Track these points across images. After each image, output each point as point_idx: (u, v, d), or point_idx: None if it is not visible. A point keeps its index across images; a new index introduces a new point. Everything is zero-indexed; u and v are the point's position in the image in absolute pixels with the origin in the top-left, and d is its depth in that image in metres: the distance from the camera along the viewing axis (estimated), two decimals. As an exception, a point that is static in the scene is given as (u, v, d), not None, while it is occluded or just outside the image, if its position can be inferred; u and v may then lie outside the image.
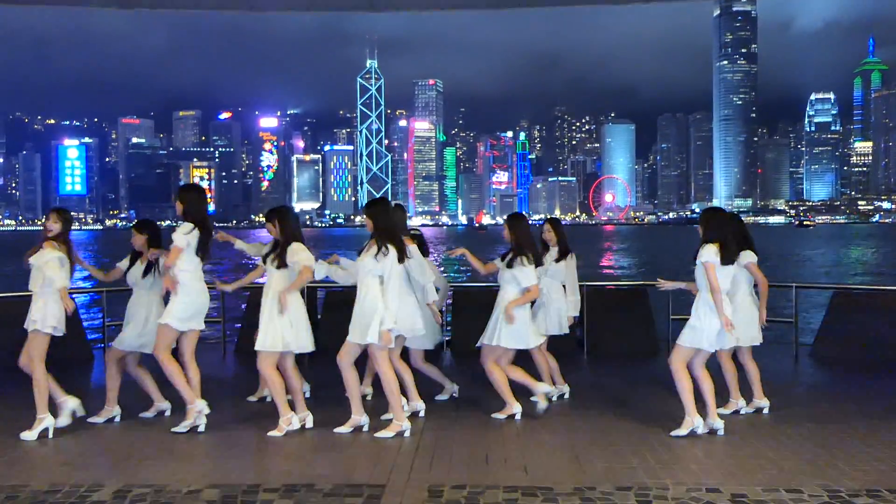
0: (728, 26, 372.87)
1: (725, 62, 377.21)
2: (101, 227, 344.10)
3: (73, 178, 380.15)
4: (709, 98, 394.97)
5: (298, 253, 6.57)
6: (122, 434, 6.75)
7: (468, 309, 10.49)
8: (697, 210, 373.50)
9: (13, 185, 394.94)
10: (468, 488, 5.19)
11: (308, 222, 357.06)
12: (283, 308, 6.55)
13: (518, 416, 7.09)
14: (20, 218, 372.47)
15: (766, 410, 7.33)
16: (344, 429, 6.60)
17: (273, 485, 5.27)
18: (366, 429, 6.65)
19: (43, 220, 6.93)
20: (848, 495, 5.04)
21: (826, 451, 6.02)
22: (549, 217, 8.33)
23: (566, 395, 7.98)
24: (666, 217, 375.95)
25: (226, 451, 6.15)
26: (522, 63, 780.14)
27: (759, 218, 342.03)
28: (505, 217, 7.40)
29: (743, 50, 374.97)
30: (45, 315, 6.59)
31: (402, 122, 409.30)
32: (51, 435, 6.55)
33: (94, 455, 6.19)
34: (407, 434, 6.47)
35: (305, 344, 6.74)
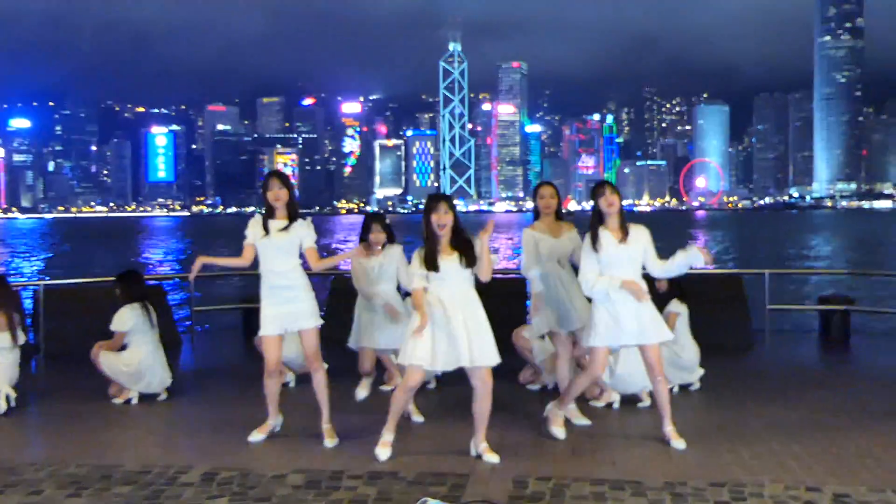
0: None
1: (828, 38, 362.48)
2: (188, 213, 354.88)
3: (161, 165, 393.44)
4: (809, 77, 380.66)
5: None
6: (209, 417, 6.96)
7: None
8: (796, 195, 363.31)
9: (105, 172, 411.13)
10: (554, 480, 5.16)
11: (390, 208, 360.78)
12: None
13: (616, 405, 7.11)
14: (111, 204, 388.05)
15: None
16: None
17: (357, 472, 5.36)
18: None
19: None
20: (962, 498, 4.81)
21: (938, 451, 5.74)
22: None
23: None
24: (762, 202, 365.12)
25: (311, 438, 6.26)
26: (611, 43, 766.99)
27: (863, 203, 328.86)
28: None
29: (847, 24, 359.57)
30: None
31: (486, 106, 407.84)
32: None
33: (183, 437, 6.40)
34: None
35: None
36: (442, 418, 6.78)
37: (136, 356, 7.46)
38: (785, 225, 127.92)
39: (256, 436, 6.21)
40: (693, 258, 5.96)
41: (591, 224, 6.03)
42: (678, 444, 5.89)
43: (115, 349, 7.56)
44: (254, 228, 6.11)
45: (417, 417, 6.77)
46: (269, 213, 6.09)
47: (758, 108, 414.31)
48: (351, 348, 7.52)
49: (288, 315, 6.08)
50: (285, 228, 6.02)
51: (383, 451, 5.67)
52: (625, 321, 5.94)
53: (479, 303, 5.65)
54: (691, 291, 8.12)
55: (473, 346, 5.51)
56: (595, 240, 5.95)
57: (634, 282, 5.94)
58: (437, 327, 5.54)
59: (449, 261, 5.54)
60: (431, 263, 5.55)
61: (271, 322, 6.09)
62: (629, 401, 7.21)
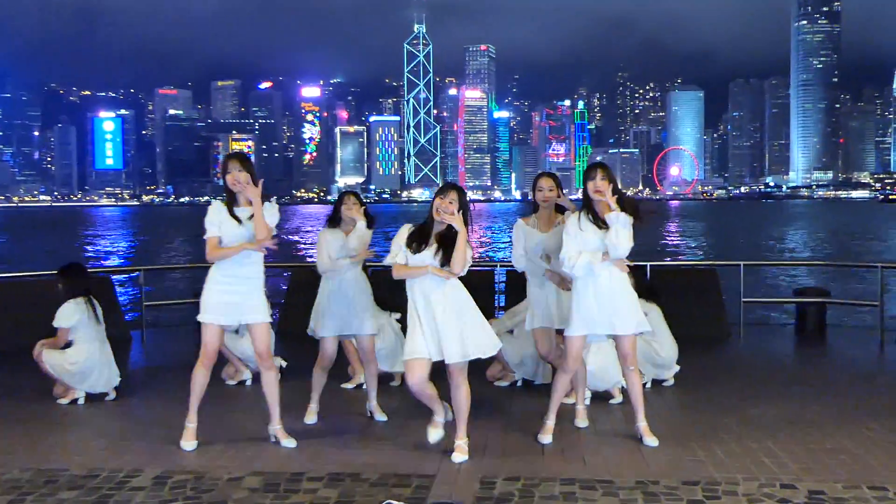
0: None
1: (805, 22, 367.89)
2: (138, 203, 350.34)
3: (109, 152, 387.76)
4: (786, 62, 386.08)
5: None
6: (161, 418, 6.89)
7: None
8: (772, 184, 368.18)
9: (48, 159, 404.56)
10: (523, 480, 5.19)
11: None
12: None
13: (587, 402, 7.07)
14: (55, 193, 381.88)
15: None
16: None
17: (317, 473, 5.34)
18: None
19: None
20: (938, 494, 4.92)
21: (914, 446, 5.87)
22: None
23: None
24: (737, 191, 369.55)
25: (268, 439, 6.20)
26: (583, 26, 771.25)
27: (840, 192, 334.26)
28: None
29: (825, 8, 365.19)
30: None
31: (452, 91, 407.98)
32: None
33: (133, 439, 6.33)
34: None
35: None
36: (406, 417, 6.78)
37: (81, 354, 7.37)
38: (761, 215, 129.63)
39: (188, 443, 5.97)
40: (614, 219, 5.72)
41: (582, 206, 5.95)
42: (650, 441, 5.95)
43: (59, 347, 7.45)
44: (217, 217, 5.86)
45: (380, 416, 6.76)
46: (232, 200, 5.90)
47: (733, 94, 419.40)
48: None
49: (235, 305, 5.93)
50: (252, 217, 5.83)
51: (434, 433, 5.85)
52: (600, 310, 5.88)
53: (459, 298, 5.61)
54: (665, 284, 8.19)
55: (453, 340, 5.52)
56: (580, 221, 5.84)
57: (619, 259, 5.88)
58: (419, 317, 5.59)
59: (428, 251, 5.54)
60: (414, 242, 5.55)
61: (215, 309, 5.94)
62: (600, 398, 7.27)
